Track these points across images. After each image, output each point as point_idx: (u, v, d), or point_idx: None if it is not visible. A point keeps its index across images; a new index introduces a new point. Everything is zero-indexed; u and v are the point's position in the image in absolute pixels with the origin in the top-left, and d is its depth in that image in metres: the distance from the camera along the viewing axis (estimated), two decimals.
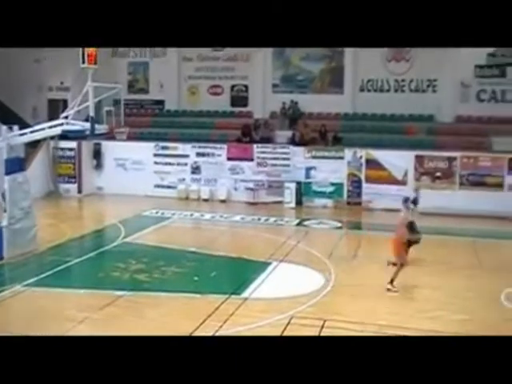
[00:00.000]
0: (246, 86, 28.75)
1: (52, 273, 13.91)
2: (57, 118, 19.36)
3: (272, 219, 21.16)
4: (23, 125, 19.09)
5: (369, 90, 26.89)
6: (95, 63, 17.85)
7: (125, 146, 25.45)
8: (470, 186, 22.24)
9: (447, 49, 20.95)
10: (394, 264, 13.08)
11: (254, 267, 14.69)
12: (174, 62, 29.10)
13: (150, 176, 25.48)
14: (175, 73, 29.34)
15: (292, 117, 26.75)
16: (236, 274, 14.92)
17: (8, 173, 15.29)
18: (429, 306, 11.92)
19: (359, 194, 23.40)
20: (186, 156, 25.53)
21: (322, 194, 23.73)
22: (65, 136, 22.42)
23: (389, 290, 12.70)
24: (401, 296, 12.56)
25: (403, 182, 22.67)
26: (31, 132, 17.69)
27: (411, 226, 13.78)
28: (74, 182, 26.07)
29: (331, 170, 23.56)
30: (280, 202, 23.68)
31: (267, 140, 25.48)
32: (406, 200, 13.65)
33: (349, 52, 26.55)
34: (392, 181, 22.82)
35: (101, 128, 19.04)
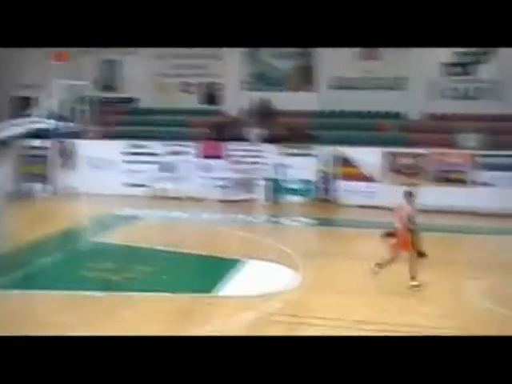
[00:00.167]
0: (218, 84, 28.67)
1: (18, 274, 13.61)
2: (21, 116, 19.00)
3: (243, 217, 21.13)
4: None
5: (340, 88, 27.02)
6: (64, 60, 17.56)
7: (96, 145, 25.14)
8: (440, 182, 22.52)
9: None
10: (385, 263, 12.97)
11: (225, 265, 14.61)
12: (147, 60, 28.81)
13: (121, 175, 25.23)
14: (147, 70, 29.07)
15: (264, 114, 26.74)
16: (207, 273, 14.79)
17: None
18: (405, 301, 11.98)
19: (331, 191, 23.51)
20: (158, 154, 25.36)
21: (293, 191, 23.80)
22: (35, 135, 22.03)
23: (414, 286, 12.53)
24: (375, 291, 12.59)
25: (375, 179, 22.85)
26: None
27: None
28: (44, 182, 25.66)
29: (303, 167, 23.62)
30: (252, 200, 23.67)
31: (239, 138, 25.44)
32: (408, 194, 13.54)
33: (320, 49, 26.66)
34: (363, 177, 23.00)
35: (71, 126, 18.73)
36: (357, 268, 13.36)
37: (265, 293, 12.35)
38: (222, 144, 24.81)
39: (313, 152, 23.71)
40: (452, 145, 23.34)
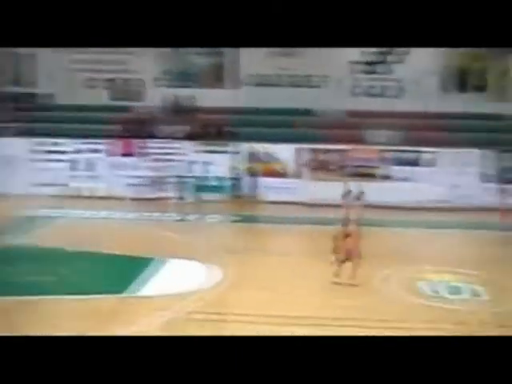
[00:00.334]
0: (135, 80, 28.06)
1: None
2: None
3: (160, 215, 20.84)
4: None
5: (256, 85, 27.14)
6: None
7: (5, 143, 24.04)
8: (357, 177, 23.10)
9: None
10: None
11: (140, 264, 14.32)
12: (60, 54, 27.61)
13: (29, 173, 24.20)
14: (61, 65, 27.94)
15: (180, 111, 26.45)
16: (122, 273, 14.38)
17: None
18: (325, 295, 12.17)
19: (250, 188, 23.60)
20: (67, 152, 24.54)
21: (212, 189, 23.69)
22: None
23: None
24: (296, 287, 12.72)
25: (293, 175, 23.16)
26: None
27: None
28: None
29: (220, 164, 23.59)
30: (169, 198, 23.39)
31: (156, 135, 25.05)
32: (348, 193, 13.73)
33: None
34: (282, 174, 23.27)
35: None
36: (278, 264, 13.46)
37: (184, 291, 12.25)
38: (138, 141, 24.36)
39: (230, 149, 23.73)
40: (365, 141, 24.01)
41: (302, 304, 11.54)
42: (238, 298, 11.93)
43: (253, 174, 23.57)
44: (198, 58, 27.60)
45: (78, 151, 24.45)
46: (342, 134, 24.01)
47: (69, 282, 12.98)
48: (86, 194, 23.74)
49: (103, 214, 20.89)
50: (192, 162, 23.86)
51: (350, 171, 23.20)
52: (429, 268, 14.25)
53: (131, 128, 25.07)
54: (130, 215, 20.69)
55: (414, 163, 23.39)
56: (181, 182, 23.56)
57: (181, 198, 23.33)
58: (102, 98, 27.81)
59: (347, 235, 13.31)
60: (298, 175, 23.17)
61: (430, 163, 23.42)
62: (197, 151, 23.95)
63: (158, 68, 27.75)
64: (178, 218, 20.79)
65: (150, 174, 23.93)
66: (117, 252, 15.43)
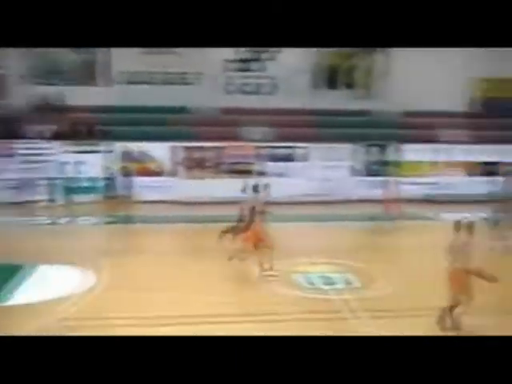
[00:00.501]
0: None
1: None
2: None
3: (29, 219, 19.76)
4: None
5: (130, 83, 26.51)
6: None
7: None
8: (229, 173, 23.22)
9: None
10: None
11: (10, 272, 13.45)
12: None
13: None
14: None
15: (49, 110, 25.21)
16: None
17: None
18: (198, 292, 12.03)
19: (124, 188, 22.98)
20: None
21: (83, 190, 22.83)
22: None
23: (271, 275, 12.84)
24: (172, 284, 12.49)
25: (168, 174, 22.85)
26: None
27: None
28: None
29: (92, 164, 22.80)
30: (37, 201, 22.23)
31: (21, 135, 23.68)
32: (257, 187, 13.81)
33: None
34: (157, 173, 22.89)
35: None
36: (154, 263, 13.13)
37: (57, 297, 11.61)
38: (4, 142, 22.93)
39: (103, 148, 22.96)
40: (240, 138, 24.19)
41: (179, 303, 11.33)
42: (113, 301, 11.50)
43: (127, 173, 22.99)
44: (67, 54, 26.47)
45: None
46: (217, 132, 24.04)
47: None
48: None
49: None
50: (63, 163, 22.85)
51: (226, 168, 23.28)
52: (305, 260, 14.52)
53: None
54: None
55: (288, 159, 23.91)
56: (51, 183, 22.48)
57: (51, 201, 22.27)
58: None
59: (245, 229, 13.48)
60: (173, 174, 22.89)
61: (303, 158, 24.05)
62: (67, 151, 22.96)
63: (23, 64, 26.28)
64: (49, 221, 19.81)
65: (18, 176, 22.62)
66: None
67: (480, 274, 10.23)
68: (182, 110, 26.04)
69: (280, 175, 23.22)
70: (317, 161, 24.03)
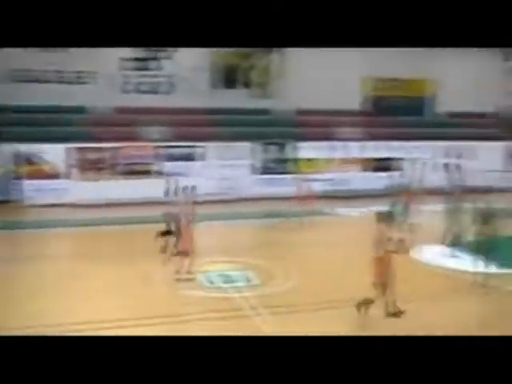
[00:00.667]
0: None
1: None
2: None
3: None
4: None
5: (22, 81, 25.32)
6: None
7: None
8: (127, 174, 22.78)
9: None
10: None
11: None
12: None
13: None
14: None
15: None
16: None
17: None
18: (95, 297, 11.70)
19: (14, 192, 21.93)
20: None
21: None
22: None
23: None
24: (67, 290, 12.04)
25: (63, 176, 22.06)
26: None
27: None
28: None
29: None
30: None
31: None
32: (184, 189, 13.85)
33: None
34: (51, 175, 22.02)
35: None
36: (49, 270, 12.60)
37: None
38: None
39: None
40: (137, 138, 23.77)
41: (75, 309, 10.95)
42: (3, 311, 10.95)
43: (18, 176, 21.92)
44: None
45: None
46: (114, 132, 23.51)
47: None
48: None
49: None
50: None
51: (124, 169, 22.81)
52: (206, 260, 14.47)
53: None
54: None
55: (187, 158, 23.77)
56: None
57: None
58: None
59: (168, 232, 13.67)
60: (68, 176, 22.11)
61: (202, 158, 23.99)
62: None
63: None
64: None
65: None
66: None
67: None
68: (77, 109, 25.23)
69: (179, 175, 22.92)
70: (216, 160, 24.03)
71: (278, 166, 25.20)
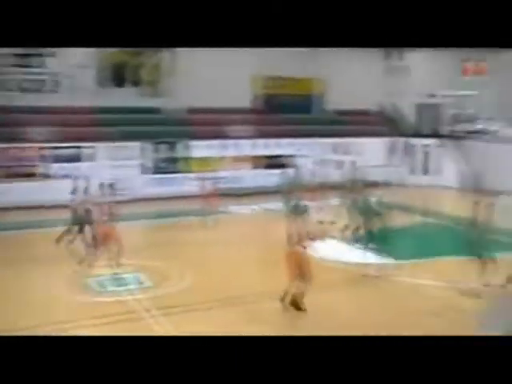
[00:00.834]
0: None
1: None
2: None
3: None
4: None
5: None
6: None
7: None
8: (11, 177, 21.73)
9: None
10: None
11: None
12: None
13: None
14: None
15: None
16: None
17: None
18: None
19: None
20: None
21: None
22: None
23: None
24: None
25: None
26: None
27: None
28: None
29: None
30: None
31: None
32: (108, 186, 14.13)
33: None
34: None
35: None
36: None
37: None
38: None
39: None
40: (21, 139, 22.64)
41: None
42: None
43: None
44: None
45: None
46: None
47: None
48: None
49: None
50: None
51: (7, 172, 21.72)
52: (96, 263, 14.09)
53: None
54: None
55: (74, 159, 22.95)
56: None
57: None
58: None
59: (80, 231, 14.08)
60: None
61: (91, 158, 23.27)
62: None
63: None
64: None
65: None
66: None
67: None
68: None
69: (66, 177, 22.10)
70: (105, 160, 23.37)
71: (169, 166, 24.87)
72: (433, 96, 27.42)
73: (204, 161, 25.02)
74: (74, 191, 15.63)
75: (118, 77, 26.94)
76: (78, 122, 23.84)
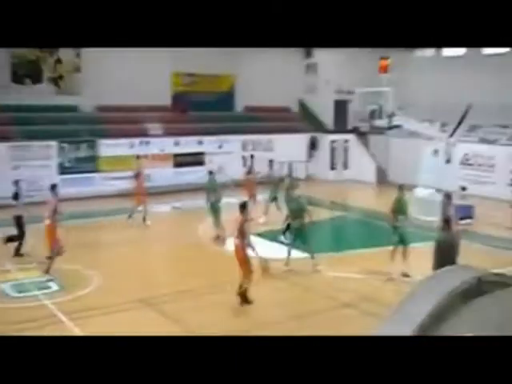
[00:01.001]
0: None
1: None
2: None
3: None
4: None
5: None
6: None
7: None
8: None
9: None
10: None
11: None
12: None
13: None
14: None
15: None
16: None
17: None
18: None
19: None
20: None
21: None
22: None
23: None
24: None
25: None
26: None
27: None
28: None
29: None
30: None
31: None
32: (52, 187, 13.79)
33: None
34: None
35: None
36: None
37: None
38: None
39: None
40: None
41: None
42: None
43: None
44: None
45: None
46: None
47: None
48: None
49: None
50: None
51: None
52: (10, 267, 13.60)
53: None
54: None
55: None
56: None
57: None
58: None
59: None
60: None
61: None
62: None
63: None
64: None
65: None
66: None
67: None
68: None
69: None
70: (15, 161, 22.29)
71: (83, 166, 24.01)
72: (351, 93, 28.01)
73: (122, 159, 24.36)
74: (16, 195, 15.04)
75: (35, 73, 25.82)
76: None
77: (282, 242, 15.29)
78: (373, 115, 22.26)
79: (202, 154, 26.92)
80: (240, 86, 30.67)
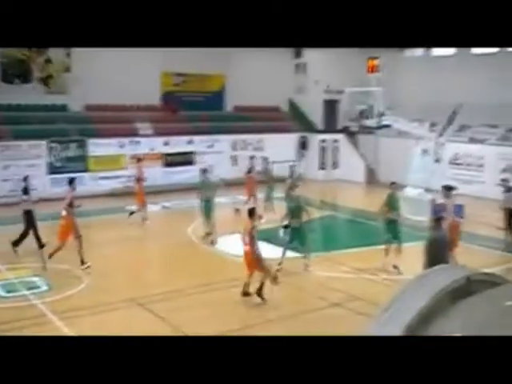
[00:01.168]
0: None
1: None
2: None
3: None
4: None
5: None
6: None
7: None
8: None
9: None
10: None
11: None
12: None
13: None
14: None
15: None
16: None
17: None
18: None
19: None
20: None
21: None
22: None
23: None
24: None
25: None
26: None
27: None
28: None
29: None
30: None
31: None
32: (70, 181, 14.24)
33: None
34: None
35: None
36: None
37: None
38: None
39: None
40: None
41: None
42: None
43: None
44: None
45: None
46: None
47: None
48: None
49: None
50: None
51: None
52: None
53: None
54: None
55: None
56: None
57: None
58: None
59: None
60: None
61: None
62: None
63: None
64: None
65: None
66: None
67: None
68: None
69: None
70: (11, 161, 22.24)
71: (72, 165, 23.91)
72: (340, 92, 28.09)
73: (112, 159, 24.31)
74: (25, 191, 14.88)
75: (24, 73, 25.68)
76: None
77: (277, 242, 15.18)
78: (362, 115, 22.39)
79: (192, 153, 26.92)
80: (230, 85, 30.69)
